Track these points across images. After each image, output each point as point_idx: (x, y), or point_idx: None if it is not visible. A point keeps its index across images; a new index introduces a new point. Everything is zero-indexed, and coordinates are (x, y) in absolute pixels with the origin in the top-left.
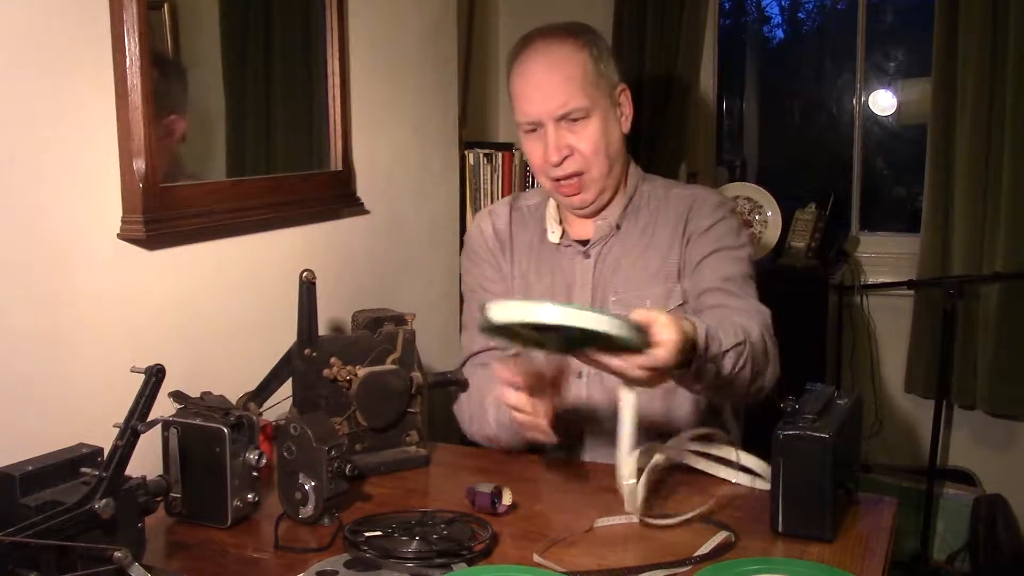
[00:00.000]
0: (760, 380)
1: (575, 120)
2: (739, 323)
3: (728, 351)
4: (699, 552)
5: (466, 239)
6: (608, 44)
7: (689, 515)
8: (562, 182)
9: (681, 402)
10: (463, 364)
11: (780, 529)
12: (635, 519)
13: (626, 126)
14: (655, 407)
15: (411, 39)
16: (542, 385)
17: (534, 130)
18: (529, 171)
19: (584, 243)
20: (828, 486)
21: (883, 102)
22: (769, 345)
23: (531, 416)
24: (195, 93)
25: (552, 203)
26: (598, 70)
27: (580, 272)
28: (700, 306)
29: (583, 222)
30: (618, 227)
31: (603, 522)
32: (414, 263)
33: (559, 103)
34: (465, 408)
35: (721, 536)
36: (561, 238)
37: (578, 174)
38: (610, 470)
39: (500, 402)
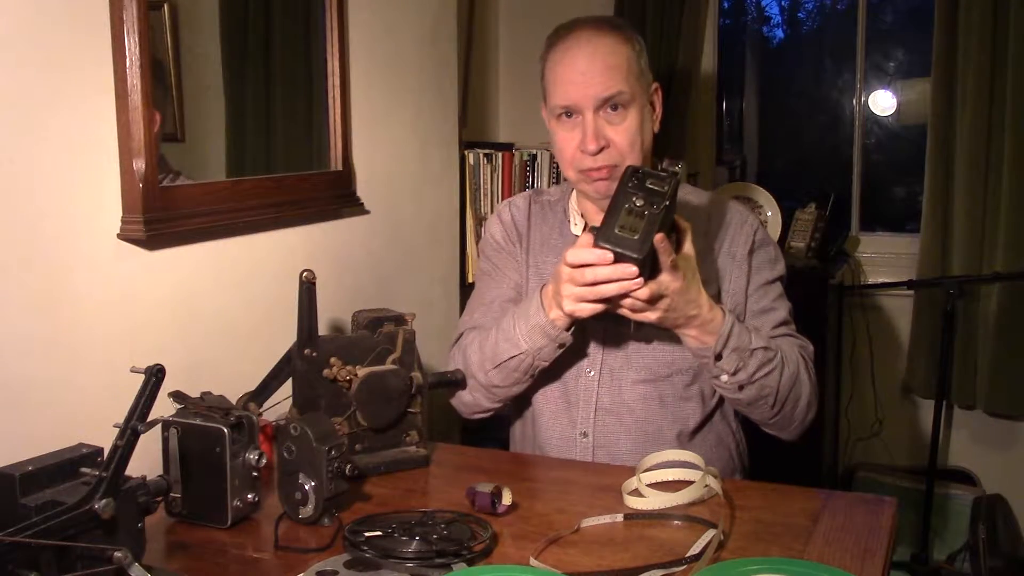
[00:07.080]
0: (790, 406)
1: (615, 110)
2: (777, 340)
3: (756, 350)
4: (691, 552)
5: (485, 227)
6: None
7: (671, 504)
8: (592, 171)
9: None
10: (456, 341)
11: None
12: (619, 518)
13: (657, 126)
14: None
15: (411, 39)
16: None
17: (568, 115)
18: (529, 171)
19: None
20: None
21: (883, 102)
22: (802, 371)
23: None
24: (195, 93)
25: (574, 197)
26: (639, 65)
27: None
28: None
29: None
30: None
31: (589, 522)
32: (414, 263)
33: (602, 88)
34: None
35: (710, 534)
36: (584, 230)
37: (610, 167)
38: (610, 470)
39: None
